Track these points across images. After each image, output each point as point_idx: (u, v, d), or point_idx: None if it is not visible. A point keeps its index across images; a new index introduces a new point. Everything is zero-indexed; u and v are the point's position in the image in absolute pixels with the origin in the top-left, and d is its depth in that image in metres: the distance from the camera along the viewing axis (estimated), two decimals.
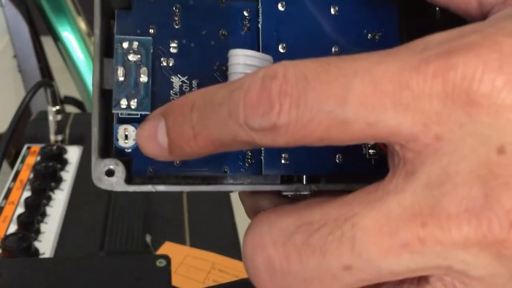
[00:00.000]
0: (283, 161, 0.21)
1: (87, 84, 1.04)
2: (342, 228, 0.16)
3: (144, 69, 0.19)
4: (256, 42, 0.21)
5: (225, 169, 0.20)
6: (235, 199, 0.64)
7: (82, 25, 1.06)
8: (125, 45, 0.19)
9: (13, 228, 0.54)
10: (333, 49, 0.21)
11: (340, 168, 0.21)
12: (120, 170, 0.19)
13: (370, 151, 0.21)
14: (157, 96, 0.20)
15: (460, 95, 0.14)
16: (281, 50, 0.21)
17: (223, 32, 0.21)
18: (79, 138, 0.71)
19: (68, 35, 1.01)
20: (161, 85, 0.20)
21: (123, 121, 0.20)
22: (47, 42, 1.05)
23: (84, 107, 1.06)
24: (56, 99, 0.70)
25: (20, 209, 0.57)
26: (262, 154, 0.21)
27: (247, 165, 0.21)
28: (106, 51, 0.20)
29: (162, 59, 0.20)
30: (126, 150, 0.20)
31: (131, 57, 0.19)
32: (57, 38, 1.01)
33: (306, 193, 0.21)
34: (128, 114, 0.20)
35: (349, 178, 0.21)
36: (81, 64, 1.03)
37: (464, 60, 0.14)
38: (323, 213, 0.16)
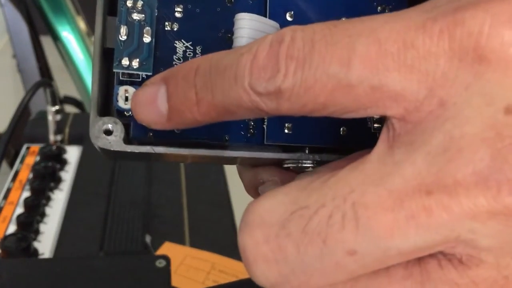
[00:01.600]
0: (286, 131, 0.20)
1: (87, 84, 1.04)
2: (342, 208, 0.14)
3: (147, 29, 0.19)
4: (264, 10, 0.21)
5: (226, 138, 0.20)
6: (235, 200, 0.63)
7: (82, 24, 1.06)
8: (129, 3, 0.19)
9: (12, 228, 0.54)
10: None
11: (343, 141, 0.21)
12: (118, 129, 0.19)
13: (375, 125, 0.21)
14: (159, 60, 0.19)
15: (467, 52, 0.14)
16: (288, 19, 0.21)
17: None
18: (79, 138, 0.71)
19: (67, 35, 1.01)
20: (164, 49, 0.20)
21: (124, 82, 0.19)
22: (46, 42, 1.05)
23: (84, 107, 1.06)
24: (55, 99, 0.70)
25: (20, 209, 0.57)
26: (265, 123, 0.20)
27: (249, 135, 0.20)
28: (110, 9, 0.20)
29: (166, 23, 0.20)
30: (126, 112, 0.19)
31: (135, 16, 0.19)
32: (56, 38, 1.01)
33: (308, 165, 0.20)
34: (129, 76, 0.19)
35: (353, 152, 0.21)
36: (80, 64, 1.03)
37: (471, 15, 0.14)
38: (319, 194, 0.15)
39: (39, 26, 1.03)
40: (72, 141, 0.71)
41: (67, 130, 0.72)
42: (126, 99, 0.19)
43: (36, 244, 0.52)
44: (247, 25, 0.19)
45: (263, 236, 0.15)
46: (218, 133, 0.20)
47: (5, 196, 0.59)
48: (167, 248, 0.53)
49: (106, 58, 0.20)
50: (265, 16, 0.20)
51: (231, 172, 0.79)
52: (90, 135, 0.19)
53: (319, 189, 0.15)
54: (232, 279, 0.49)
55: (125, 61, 0.19)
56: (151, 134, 0.19)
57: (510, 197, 0.13)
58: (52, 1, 0.99)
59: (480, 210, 0.14)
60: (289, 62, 0.15)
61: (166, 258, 0.43)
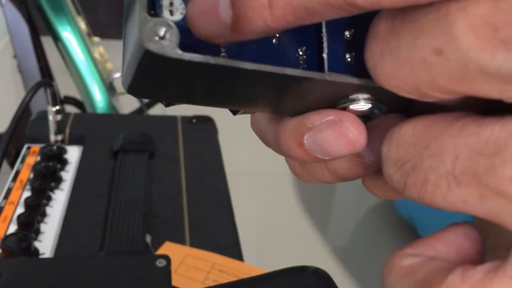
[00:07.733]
0: (348, 60, 0.18)
1: (87, 84, 1.04)
2: (448, 7, 0.13)
3: None
4: None
5: None
6: (235, 199, 0.63)
7: (82, 25, 1.06)
8: None
9: (13, 228, 0.54)
10: None
11: None
12: (174, 33, 0.15)
13: None
14: None
15: None
16: None
17: None
18: (79, 138, 0.71)
19: (68, 35, 1.01)
20: None
21: None
22: (47, 42, 1.05)
23: (84, 107, 1.06)
24: (56, 99, 0.70)
25: (20, 209, 0.57)
26: (326, 51, 0.18)
27: (300, 68, 0.18)
28: None
29: None
30: None
31: None
32: (57, 38, 1.02)
33: (367, 103, 0.18)
34: None
35: None
36: (81, 64, 1.03)
37: None
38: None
39: (39, 27, 1.03)
40: (73, 141, 0.71)
41: (67, 130, 0.72)
42: (171, 12, 0.16)
43: (36, 244, 0.52)
44: None
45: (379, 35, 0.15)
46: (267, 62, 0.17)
47: (6, 196, 0.59)
48: (167, 248, 0.53)
49: None
50: None
51: (231, 172, 0.79)
52: (140, 38, 0.15)
53: None
54: (232, 279, 0.49)
55: None
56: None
57: None
58: (52, 2, 1.00)
59: None
60: None
61: (166, 257, 0.43)
